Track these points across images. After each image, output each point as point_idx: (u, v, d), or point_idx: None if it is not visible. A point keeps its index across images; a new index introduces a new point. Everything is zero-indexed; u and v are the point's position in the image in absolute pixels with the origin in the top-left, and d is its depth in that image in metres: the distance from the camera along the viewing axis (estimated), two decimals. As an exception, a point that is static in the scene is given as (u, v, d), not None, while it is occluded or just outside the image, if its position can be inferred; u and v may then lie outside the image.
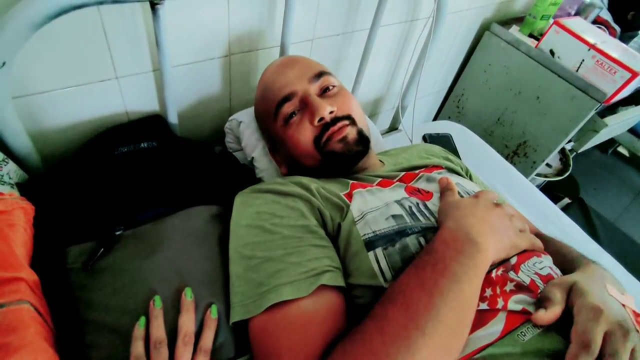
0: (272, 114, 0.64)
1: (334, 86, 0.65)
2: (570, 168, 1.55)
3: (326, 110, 0.59)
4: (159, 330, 0.43)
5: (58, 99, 0.63)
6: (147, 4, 0.58)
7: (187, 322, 0.45)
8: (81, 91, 0.65)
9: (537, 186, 1.63)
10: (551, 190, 1.69)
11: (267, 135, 0.72)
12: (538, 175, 1.48)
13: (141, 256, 0.49)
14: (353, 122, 0.63)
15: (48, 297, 0.45)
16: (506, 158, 1.46)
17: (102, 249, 0.48)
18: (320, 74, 0.64)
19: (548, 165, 1.56)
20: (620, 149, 2.43)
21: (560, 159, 1.59)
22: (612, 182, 2.24)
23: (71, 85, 0.63)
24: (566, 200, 1.61)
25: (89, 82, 0.65)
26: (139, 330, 0.44)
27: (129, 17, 0.62)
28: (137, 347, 0.42)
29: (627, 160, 2.44)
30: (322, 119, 0.60)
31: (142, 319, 0.44)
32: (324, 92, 0.64)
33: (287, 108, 0.62)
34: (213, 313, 0.48)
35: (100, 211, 0.53)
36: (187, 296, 0.47)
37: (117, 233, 0.50)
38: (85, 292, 0.46)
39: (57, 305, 0.45)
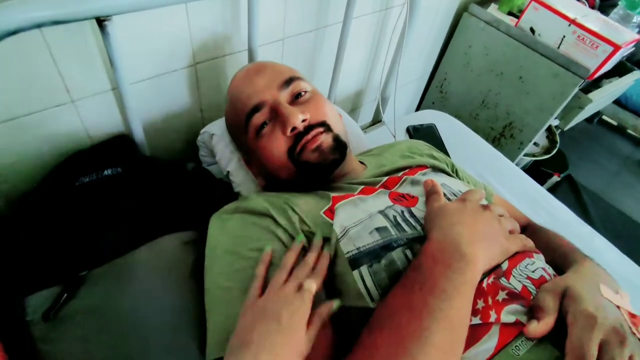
0: (242, 126, 0.61)
1: (305, 91, 0.61)
2: (558, 145, 1.53)
3: (298, 118, 0.56)
4: (288, 260, 0.46)
5: (10, 131, 0.59)
6: (94, 22, 0.53)
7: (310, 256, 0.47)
8: (34, 120, 0.60)
9: (525, 165, 1.63)
10: (540, 168, 1.68)
11: (241, 147, 0.69)
12: (526, 155, 1.47)
13: (110, 297, 0.46)
14: (328, 128, 0.59)
15: (10, 354, 0.42)
16: (493, 140, 1.45)
17: (65, 295, 0.44)
18: (290, 80, 0.60)
19: (535, 144, 1.55)
20: (606, 118, 2.44)
21: (547, 137, 1.58)
22: (599, 152, 2.25)
23: (21, 114, 0.59)
24: (555, 179, 1.61)
25: (41, 109, 0.60)
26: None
27: (78, 36, 0.57)
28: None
29: (613, 129, 2.45)
30: (294, 128, 0.57)
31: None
32: (295, 98, 0.61)
33: (258, 119, 0.59)
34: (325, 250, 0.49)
35: (63, 251, 0.49)
36: (297, 241, 0.49)
37: (82, 274, 0.47)
38: (49, 344, 0.43)
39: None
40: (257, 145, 0.60)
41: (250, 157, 0.66)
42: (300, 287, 0.43)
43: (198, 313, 0.48)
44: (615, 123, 2.43)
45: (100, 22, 0.53)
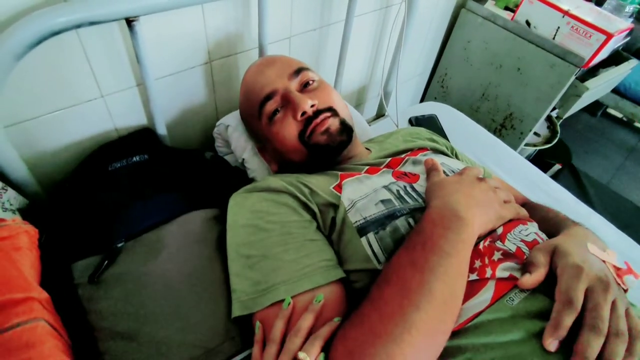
0: (256, 114, 0.66)
1: (313, 80, 0.66)
2: (558, 134, 1.57)
3: (307, 104, 0.61)
4: (277, 330, 0.44)
5: (48, 124, 0.65)
6: (124, 22, 0.59)
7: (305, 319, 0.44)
8: (69, 113, 0.66)
9: (529, 156, 1.66)
10: (543, 158, 1.71)
11: (255, 135, 0.74)
12: (527, 145, 1.50)
13: (144, 263, 0.51)
14: (335, 113, 0.64)
15: (60, 312, 0.47)
16: (494, 132, 1.49)
17: (106, 261, 0.50)
18: (299, 70, 0.66)
19: (536, 134, 1.58)
20: (610, 111, 2.45)
21: (548, 127, 1.61)
22: (603, 144, 2.26)
23: (59, 108, 0.65)
24: (557, 167, 1.64)
25: (76, 104, 0.66)
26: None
27: (108, 36, 0.63)
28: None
29: (617, 121, 2.46)
30: (304, 113, 0.62)
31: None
32: (304, 87, 0.66)
33: (270, 106, 0.64)
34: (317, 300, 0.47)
35: (101, 226, 0.55)
36: (316, 301, 0.46)
37: (119, 245, 0.52)
38: (94, 303, 0.48)
39: (70, 318, 0.47)
40: (270, 130, 0.65)
41: (264, 144, 0.71)
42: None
43: (223, 278, 0.53)
44: (620, 115, 2.44)
45: (129, 22, 0.59)
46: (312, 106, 0.62)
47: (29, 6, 0.53)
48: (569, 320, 0.39)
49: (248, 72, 0.71)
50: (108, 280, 0.49)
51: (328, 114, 0.63)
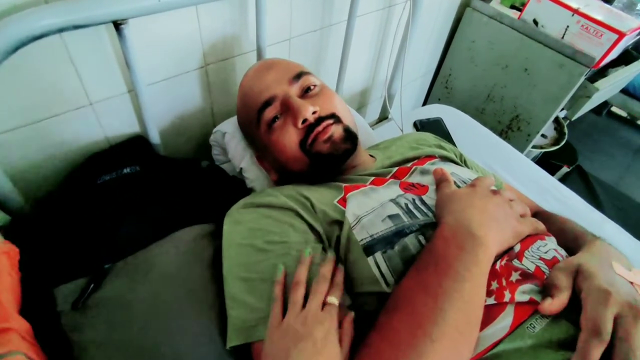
0: (254, 121, 0.63)
1: (315, 85, 0.63)
2: (566, 136, 1.53)
3: (309, 111, 0.57)
4: (301, 274, 0.45)
5: (32, 134, 0.61)
6: (111, 25, 0.56)
7: (325, 267, 0.47)
8: (56, 122, 0.63)
9: (535, 158, 1.62)
10: (549, 160, 1.67)
11: (253, 143, 0.70)
12: (534, 147, 1.47)
13: (133, 287, 0.47)
14: (338, 120, 0.61)
15: (42, 343, 0.44)
16: (500, 134, 1.45)
17: (92, 285, 0.46)
18: (300, 75, 0.62)
19: (543, 136, 1.54)
20: (614, 109, 2.41)
21: (555, 128, 1.58)
22: (610, 144, 2.23)
23: (43, 117, 0.61)
24: (565, 170, 1.60)
25: (62, 112, 0.63)
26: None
27: (95, 40, 0.60)
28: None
29: (623, 120, 2.42)
30: (305, 120, 0.58)
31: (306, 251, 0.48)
32: (305, 92, 0.62)
33: (269, 113, 0.60)
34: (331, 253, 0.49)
35: (87, 246, 0.51)
36: (305, 254, 0.48)
37: (106, 267, 0.49)
38: (78, 333, 0.44)
39: (52, 350, 0.43)
40: (269, 138, 0.62)
41: (263, 152, 0.68)
42: (323, 303, 0.43)
43: (217, 302, 0.50)
44: (624, 114, 2.40)
45: (117, 25, 0.55)
46: (314, 113, 0.59)
47: (6, 8, 0.49)
48: (597, 352, 0.36)
49: (246, 77, 0.67)
50: (93, 306, 0.46)
51: (330, 121, 0.60)
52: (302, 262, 0.47)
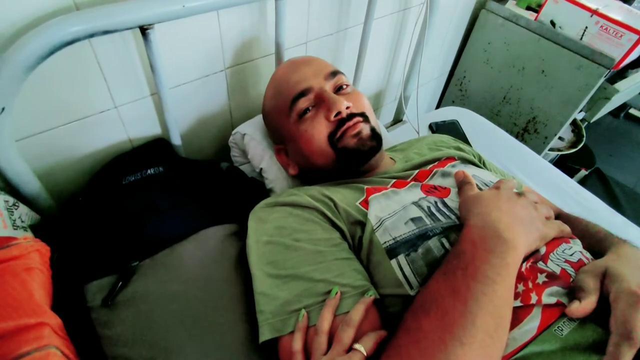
0: (285, 110, 0.63)
1: (347, 85, 0.65)
2: (584, 138, 1.50)
3: (343, 104, 0.59)
4: (324, 323, 0.42)
5: (60, 136, 0.63)
6: (138, 30, 0.57)
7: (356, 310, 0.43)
8: (82, 125, 0.64)
9: (551, 160, 1.60)
10: (566, 163, 1.65)
11: (277, 134, 0.70)
12: (551, 150, 1.44)
13: (160, 285, 0.48)
14: (367, 119, 0.63)
15: (73, 338, 0.45)
16: (516, 136, 1.44)
17: (120, 283, 0.47)
18: (335, 73, 0.64)
19: (560, 138, 1.52)
20: (632, 112, 2.36)
21: (573, 131, 1.55)
22: (628, 147, 2.18)
23: (71, 120, 0.63)
24: (583, 173, 1.57)
25: (89, 115, 0.64)
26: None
27: (121, 45, 0.61)
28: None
29: (641, 122, 2.37)
30: (338, 113, 0.59)
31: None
32: (338, 90, 0.64)
33: (303, 103, 0.62)
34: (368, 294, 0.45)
35: (115, 244, 0.52)
36: (332, 293, 0.44)
37: (134, 265, 0.50)
38: (107, 328, 0.46)
39: (82, 344, 0.44)
40: (298, 128, 0.62)
41: (287, 144, 0.68)
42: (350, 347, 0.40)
43: (244, 300, 0.50)
44: (643, 116, 2.35)
45: (144, 30, 0.56)
46: (347, 108, 0.60)
47: (40, 16, 0.51)
48: (628, 355, 0.35)
49: (281, 68, 0.69)
50: (122, 303, 0.47)
51: (360, 118, 0.61)
52: (328, 304, 0.43)
